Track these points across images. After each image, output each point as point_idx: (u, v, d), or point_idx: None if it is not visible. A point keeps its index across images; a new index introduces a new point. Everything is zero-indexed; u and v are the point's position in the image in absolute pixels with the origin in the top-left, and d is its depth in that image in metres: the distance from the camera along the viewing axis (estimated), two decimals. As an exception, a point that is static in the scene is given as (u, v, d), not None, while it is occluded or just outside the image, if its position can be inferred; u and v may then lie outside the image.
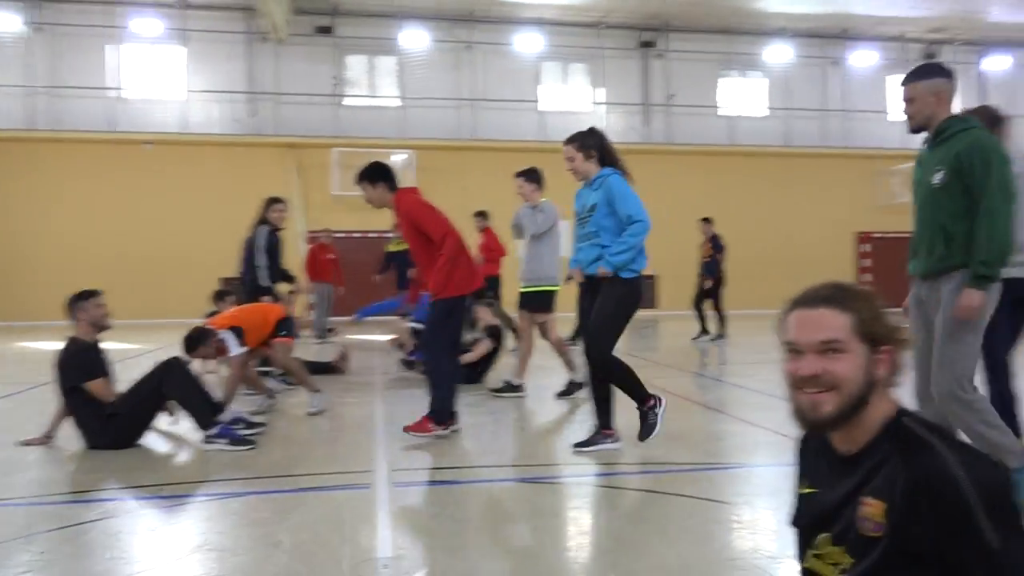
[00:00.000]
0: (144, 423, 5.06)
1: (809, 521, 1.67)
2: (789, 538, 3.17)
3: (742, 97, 21.70)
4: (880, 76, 22.13)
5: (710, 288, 12.27)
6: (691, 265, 20.32)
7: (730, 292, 21.64)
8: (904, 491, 1.43)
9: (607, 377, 4.62)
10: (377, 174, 5.29)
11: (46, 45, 18.58)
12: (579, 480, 4.21)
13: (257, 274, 7.30)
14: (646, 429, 4.61)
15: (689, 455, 4.69)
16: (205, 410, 4.95)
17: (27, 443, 4.96)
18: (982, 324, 3.36)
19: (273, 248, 7.37)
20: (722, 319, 12.29)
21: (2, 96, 18.30)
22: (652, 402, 4.64)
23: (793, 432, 4.19)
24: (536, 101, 20.59)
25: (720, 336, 12.18)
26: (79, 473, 4.49)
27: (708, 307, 12.38)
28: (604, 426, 4.70)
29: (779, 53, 21.49)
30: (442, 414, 5.05)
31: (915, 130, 3.47)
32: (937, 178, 3.36)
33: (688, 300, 19.53)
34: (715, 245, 12.29)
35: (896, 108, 22.32)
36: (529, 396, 6.75)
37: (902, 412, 1.57)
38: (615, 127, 20.92)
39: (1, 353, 11.62)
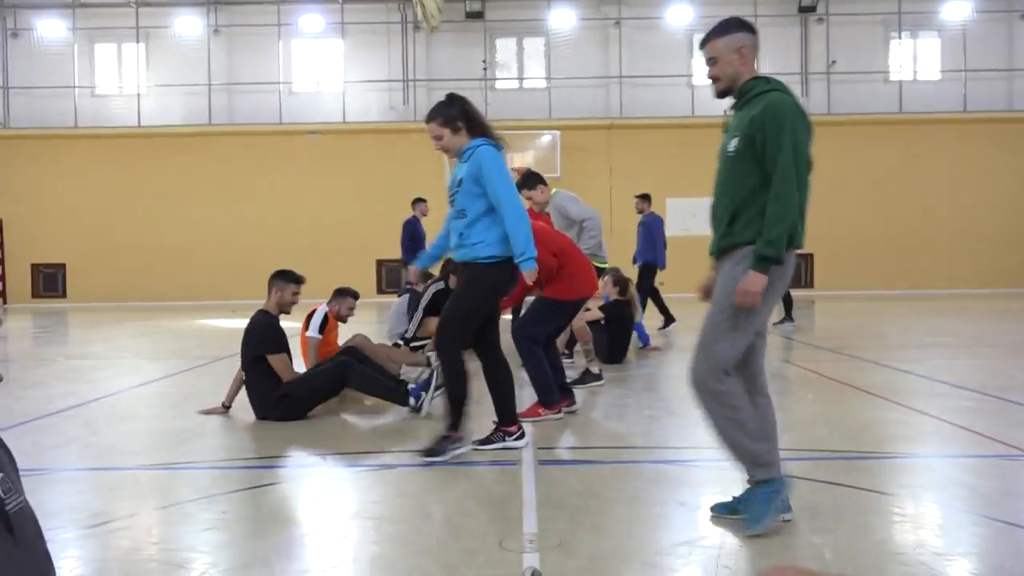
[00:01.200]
0: (312, 406, 5.34)
1: None
2: (958, 534, 2.98)
3: (913, 60, 20.15)
4: (1078, 29, 19.86)
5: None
6: (850, 242, 19.26)
7: (899, 271, 20.25)
8: None
9: (448, 378, 4.14)
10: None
11: (224, 46, 20.08)
12: (726, 464, 4.10)
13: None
14: (432, 451, 4.08)
15: (845, 442, 4.46)
16: (395, 388, 5.29)
17: (207, 412, 5.43)
18: (758, 313, 2.94)
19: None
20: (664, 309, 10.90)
21: (186, 94, 19.96)
22: (460, 434, 4.15)
23: (961, 421, 3.87)
24: (688, 76, 20.03)
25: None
26: (252, 441, 4.87)
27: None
28: (452, 428, 4.17)
29: (956, 9, 19.73)
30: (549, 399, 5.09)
31: (721, 94, 3.10)
32: (732, 145, 2.97)
33: (846, 279, 18.48)
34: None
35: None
36: (680, 379, 6.63)
37: None
38: (771, 99, 20.01)
39: (183, 330, 12.74)
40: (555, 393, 5.14)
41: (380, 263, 19.24)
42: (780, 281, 3.00)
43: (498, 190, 4.02)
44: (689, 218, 19.43)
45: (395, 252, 12.78)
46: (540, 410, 5.08)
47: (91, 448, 4.60)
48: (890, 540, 2.98)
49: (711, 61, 3.10)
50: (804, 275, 19.63)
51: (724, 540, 2.93)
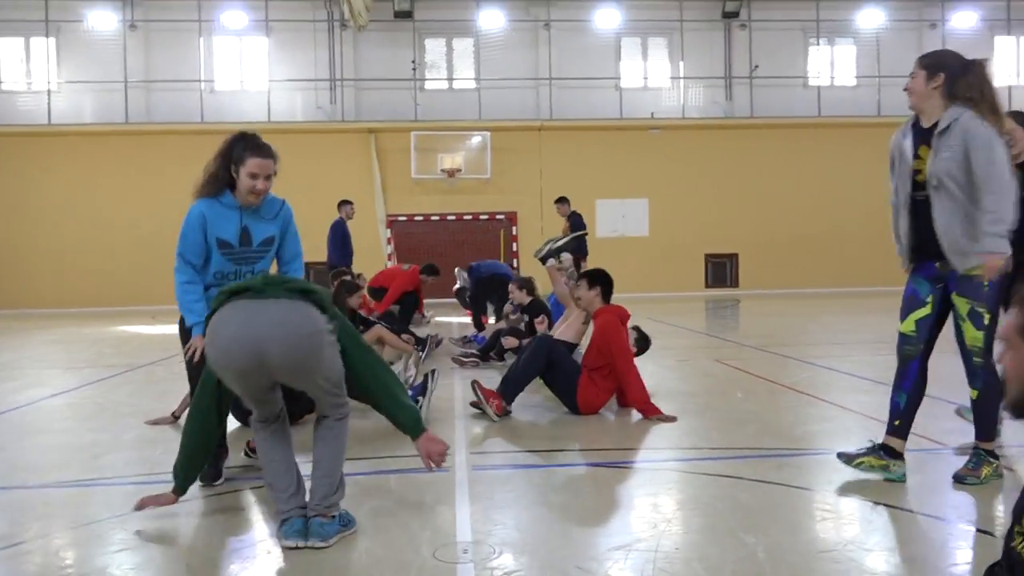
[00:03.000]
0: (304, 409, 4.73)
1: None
2: (884, 529, 3.03)
3: (831, 66, 20.85)
4: (983, 38, 20.85)
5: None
6: (773, 241, 19.80)
7: (820, 270, 20.86)
8: None
9: None
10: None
11: (141, 41, 19.35)
12: (660, 465, 4.12)
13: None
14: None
15: (774, 440, 4.53)
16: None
17: (153, 423, 5.19)
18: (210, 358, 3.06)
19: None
20: None
21: (100, 91, 19.16)
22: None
23: (884, 417, 3.94)
24: (616, 79, 20.26)
25: None
26: (170, 455, 4.63)
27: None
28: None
29: (871, 18, 20.51)
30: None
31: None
32: None
33: (769, 278, 18.98)
34: (575, 225, 11.51)
35: (1004, 70, 20.97)
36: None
37: None
38: (696, 102, 20.43)
39: (99, 337, 12.20)
40: (511, 395, 5.28)
41: (308, 266, 18.83)
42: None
43: (299, 250, 3.95)
44: (618, 219, 19.68)
45: (321, 255, 12.53)
46: (495, 400, 5.18)
47: (-5, 465, 4.32)
48: (820, 538, 3.02)
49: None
50: (729, 274, 20.10)
51: (659, 543, 2.91)
